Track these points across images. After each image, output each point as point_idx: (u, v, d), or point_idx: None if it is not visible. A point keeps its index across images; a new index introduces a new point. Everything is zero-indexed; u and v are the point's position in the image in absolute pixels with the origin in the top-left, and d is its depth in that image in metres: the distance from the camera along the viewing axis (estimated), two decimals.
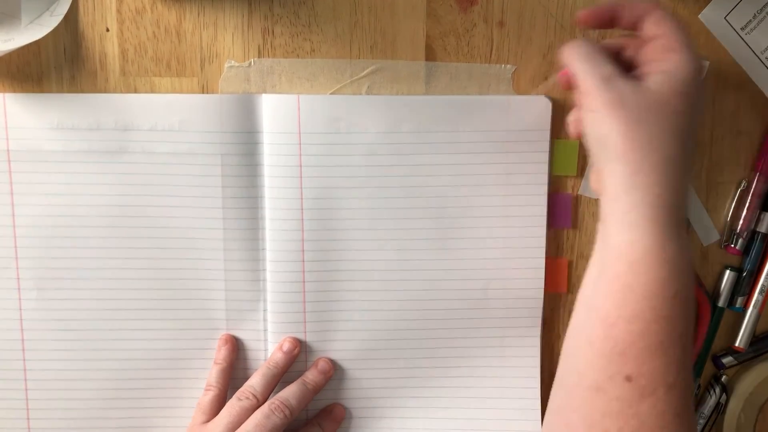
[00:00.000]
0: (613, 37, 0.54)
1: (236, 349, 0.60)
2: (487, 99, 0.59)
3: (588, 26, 0.54)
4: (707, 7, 0.59)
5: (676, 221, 0.47)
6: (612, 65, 0.49)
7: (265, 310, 0.60)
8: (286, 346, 0.60)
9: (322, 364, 0.60)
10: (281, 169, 0.58)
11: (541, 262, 0.60)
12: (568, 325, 0.51)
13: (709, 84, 0.60)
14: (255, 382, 0.58)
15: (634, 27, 0.52)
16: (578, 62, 0.50)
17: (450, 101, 0.58)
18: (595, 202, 0.61)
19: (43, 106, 0.58)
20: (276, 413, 0.56)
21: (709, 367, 0.64)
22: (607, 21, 0.53)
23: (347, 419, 0.62)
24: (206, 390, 0.59)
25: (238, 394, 0.58)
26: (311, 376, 0.60)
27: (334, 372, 0.61)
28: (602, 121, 0.48)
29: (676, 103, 0.48)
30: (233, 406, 0.57)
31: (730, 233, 0.62)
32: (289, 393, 0.58)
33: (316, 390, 0.60)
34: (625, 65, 0.51)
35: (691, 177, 0.50)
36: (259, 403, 0.57)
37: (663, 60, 0.49)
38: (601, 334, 0.47)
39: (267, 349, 0.60)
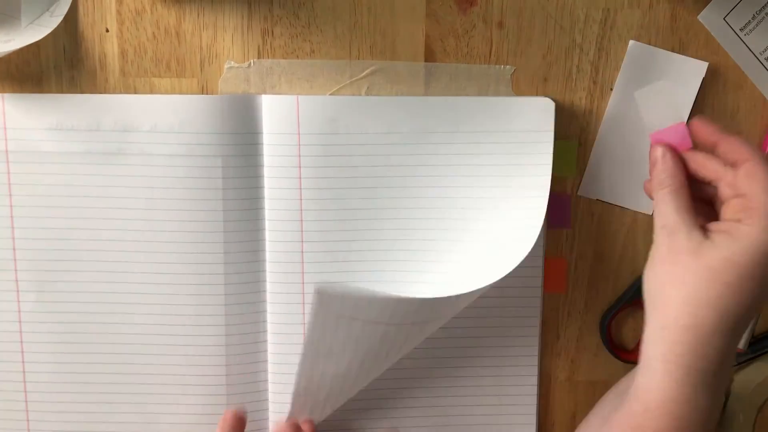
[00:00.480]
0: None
1: (243, 427, 0.59)
2: (487, 100, 0.59)
3: (693, 135, 0.54)
4: (706, 7, 0.59)
5: (698, 383, 0.48)
6: (683, 216, 0.50)
7: (264, 311, 0.60)
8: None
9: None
10: (281, 170, 0.58)
11: (540, 263, 0.60)
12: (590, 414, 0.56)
13: (709, 85, 0.60)
14: None
15: (731, 165, 0.52)
16: (656, 210, 0.52)
17: (450, 102, 0.58)
18: (594, 202, 0.61)
19: (43, 107, 0.58)
20: None
21: None
22: (710, 144, 0.53)
23: (347, 420, 0.62)
24: None
25: None
26: None
27: None
28: (653, 273, 0.51)
29: (727, 272, 0.48)
30: None
31: None
32: None
33: None
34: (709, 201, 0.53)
35: (734, 346, 0.50)
36: None
37: (734, 223, 0.49)
38: None
39: (266, 341, 0.60)
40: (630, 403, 0.50)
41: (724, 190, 0.52)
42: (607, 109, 0.60)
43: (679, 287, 0.49)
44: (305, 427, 0.59)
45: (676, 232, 0.50)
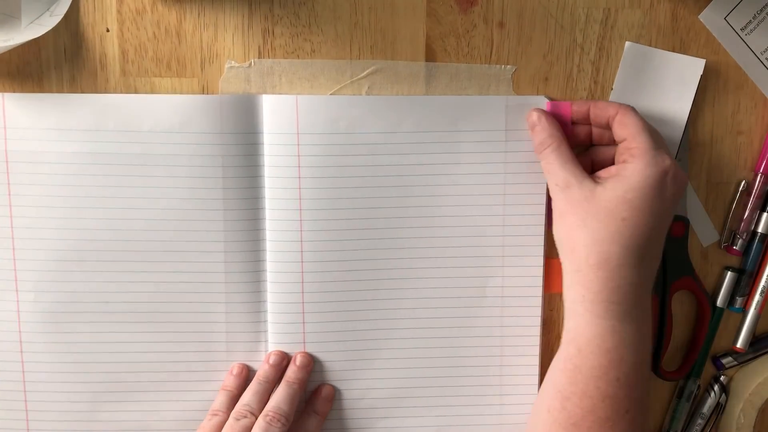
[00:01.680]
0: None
1: (248, 381, 0.60)
2: (487, 99, 0.59)
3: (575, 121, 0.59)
4: (707, 7, 0.59)
5: (619, 314, 0.53)
6: (570, 169, 0.55)
7: (265, 311, 0.60)
8: (273, 359, 0.60)
9: (300, 359, 0.60)
10: (281, 170, 0.58)
11: (540, 262, 0.60)
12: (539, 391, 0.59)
13: (709, 84, 0.60)
14: (249, 399, 0.58)
15: (606, 126, 0.57)
16: (545, 171, 0.57)
17: (450, 101, 0.58)
18: None
19: (43, 107, 0.57)
20: (273, 424, 0.56)
21: (708, 368, 0.64)
22: (584, 117, 0.58)
23: (348, 421, 0.62)
24: (212, 415, 0.58)
25: (234, 414, 0.57)
26: (293, 374, 0.59)
27: (334, 373, 0.61)
28: (556, 226, 0.57)
29: (620, 209, 0.53)
30: (233, 427, 0.56)
31: (730, 234, 0.62)
32: (279, 400, 0.58)
33: (302, 387, 0.60)
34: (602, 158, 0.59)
35: (645, 274, 0.54)
36: (256, 419, 0.57)
37: (621, 165, 0.55)
38: (558, 405, 0.54)
39: (267, 341, 0.60)
40: (564, 348, 0.55)
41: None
42: None
43: (583, 231, 0.53)
44: (302, 359, 0.60)
45: (569, 186, 0.55)
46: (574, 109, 0.58)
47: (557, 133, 0.57)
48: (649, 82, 0.59)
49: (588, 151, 0.59)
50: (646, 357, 0.55)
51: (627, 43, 0.59)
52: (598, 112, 0.57)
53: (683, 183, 0.55)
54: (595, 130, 0.58)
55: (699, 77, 0.59)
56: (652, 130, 0.55)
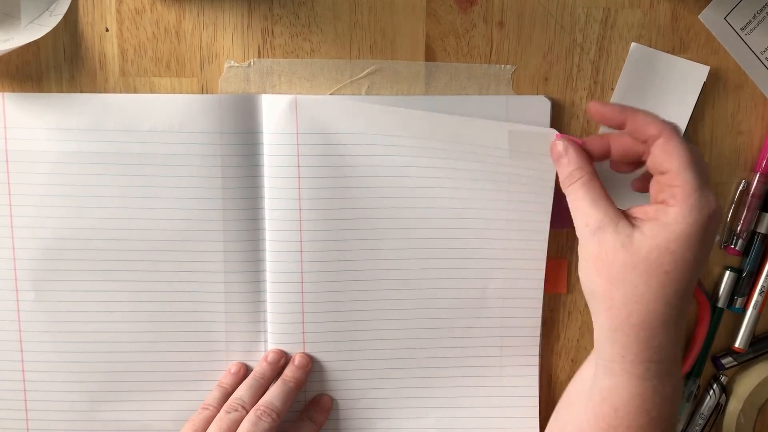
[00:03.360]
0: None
1: (244, 379, 0.60)
2: (487, 99, 0.59)
3: (597, 121, 0.53)
4: (707, 7, 0.59)
5: (660, 373, 0.49)
6: (603, 209, 0.49)
7: (265, 311, 0.60)
8: (271, 356, 0.60)
9: (299, 359, 0.60)
10: (280, 170, 0.58)
11: (542, 263, 0.60)
12: (548, 427, 0.57)
13: (709, 84, 0.60)
14: (242, 393, 0.58)
15: (643, 142, 0.51)
16: (572, 207, 0.51)
17: (450, 101, 0.58)
18: None
19: (42, 106, 0.57)
20: (263, 419, 0.55)
21: (708, 368, 0.64)
22: (617, 125, 0.52)
23: (349, 421, 0.62)
24: (203, 408, 0.58)
25: (226, 407, 0.57)
26: (290, 373, 0.59)
27: (333, 373, 0.61)
28: (588, 274, 0.50)
29: (663, 262, 0.47)
30: (222, 419, 0.56)
31: (730, 234, 0.62)
32: (272, 395, 0.58)
33: (299, 386, 0.59)
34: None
35: (683, 327, 0.50)
36: (247, 414, 0.57)
37: (663, 206, 0.49)
38: None
39: (267, 341, 0.60)
40: (597, 407, 0.51)
41: (648, 164, 0.51)
42: None
43: (622, 286, 0.48)
44: (301, 359, 0.60)
45: (602, 228, 0.49)
46: (606, 112, 0.52)
47: (587, 166, 0.52)
48: (651, 84, 0.59)
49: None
50: (678, 410, 0.52)
51: (633, 45, 0.59)
52: (638, 127, 0.50)
53: (721, 220, 0.49)
54: (620, 144, 0.53)
55: (702, 83, 0.59)
56: (699, 161, 0.49)
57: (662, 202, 0.49)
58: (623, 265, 0.48)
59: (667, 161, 0.49)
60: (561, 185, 0.53)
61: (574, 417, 0.53)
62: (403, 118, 0.58)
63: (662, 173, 0.50)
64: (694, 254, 0.48)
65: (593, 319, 0.51)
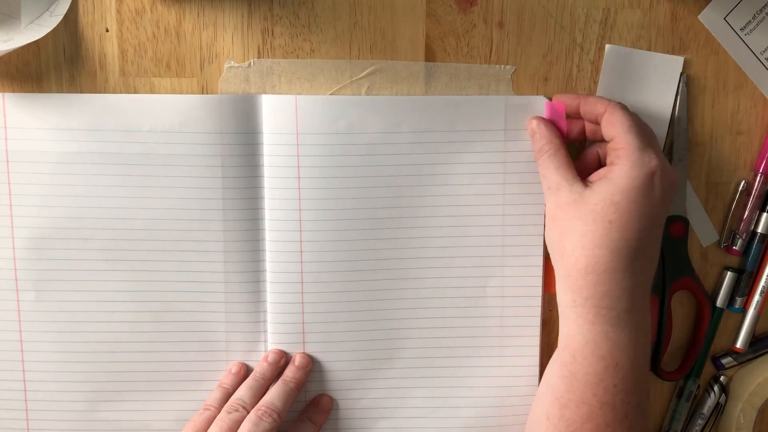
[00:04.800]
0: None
1: (245, 379, 0.60)
2: (487, 99, 0.59)
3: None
4: (707, 7, 0.59)
5: (611, 319, 0.53)
6: (563, 173, 0.55)
7: (265, 311, 0.60)
8: (271, 357, 0.60)
9: (299, 360, 0.60)
10: (280, 170, 0.58)
11: (540, 262, 0.60)
12: (536, 395, 0.58)
13: (709, 84, 0.60)
14: (242, 394, 0.58)
15: (595, 122, 0.56)
16: (540, 176, 0.57)
17: (450, 101, 0.58)
18: None
19: (43, 107, 0.57)
20: (264, 419, 0.56)
21: (708, 368, 0.64)
22: (574, 112, 0.57)
23: (349, 421, 0.62)
24: (204, 409, 0.58)
25: (226, 407, 0.57)
26: (291, 374, 0.59)
27: (333, 373, 0.61)
28: (547, 230, 0.57)
29: (607, 212, 0.52)
30: (223, 419, 0.56)
31: (730, 234, 0.62)
32: (273, 396, 0.58)
33: (299, 387, 0.59)
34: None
35: (639, 277, 0.53)
36: (247, 414, 0.57)
37: (608, 167, 0.54)
38: (556, 413, 0.54)
39: (267, 341, 0.60)
40: (559, 353, 0.55)
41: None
42: None
43: (572, 235, 0.53)
44: (301, 360, 0.60)
45: (559, 189, 0.55)
46: (565, 101, 0.58)
47: (555, 139, 0.57)
48: (630, 82, 0.60)
49: (593, 148, 0.59)
50: (643, 361, 0.54)
51: (607, 46, 0.59)
52: (588, 108, 0.56)
53: (673, 182, 0.54)
54: (588, 126, 0.58)
55: (679, 75, 0.59)
56: (640, 127, 0.54)
57: (610, 164, 0.54)
58: (573, 216, 0.53)
59: (612, 129, 0.54)
60: (535, 157, 0.58)
61: (547, 373, 0.57)
62: (401, 106, 0.58)
63: (610, 140, 0.55)
64: (638, 207, 0.52)
65: (555, 273, 0.56)
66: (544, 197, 0.57)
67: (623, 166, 0.53)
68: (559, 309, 0.56)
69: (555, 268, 0.56)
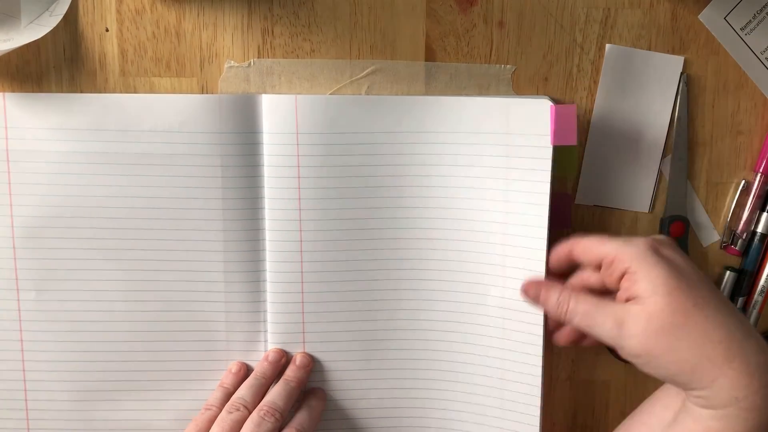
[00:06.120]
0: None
1: (245, 378, 0.60)
2: (487, 99, 0.58)
3: (552, 271, 0.58)
4: (707, 7, 0.59)
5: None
6: (604, 306, 0.52)
7: (265, 311, 0.60)
8: (272, 356, 0.60)
9: (300, 359, 0.60)
10: (280, 170, 0.58)
11: (542, 263, 0.60)
12: None
13: (709, 84, 0.60)
14: (243, 393, 0.58)
15: (594, 266, 0.55)
16: (583, 323, 0.53)
17: (450, 101, 0.58)
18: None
19: (43, 106, 0.57)
20: (267, 419, 0.55)
21: None
22: (564, 259, 0.57)
23: (348, 421, 0.62)
24: (206, 409, 0.58)
25: (227, 407, 0.57)
26: (292, 373, 0.59)
27: (333, 373, 0.61)
28: (644, 363, 0.52)
29: (687, 309, 0.50)
30: (224, 419, 0.56)
31: (730, 234, 0.62)
32: (275, 395, 0.57)
33: (300, 386, 0.59)
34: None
35: None
36: (249, 414, 0.56)
37: (626, 291, 0.52)
38: None
39: (267, 341, 0.60)
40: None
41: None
42: (592, 116, 0.60)
43: (685, 345, 0.50)
44: (302, 359, 0.60)
45: (624, 320, 0.51)
46: (554, 261, 0.57)
47: (557, 286, 0.55)
48: (631, 82, 0.60)
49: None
50: None
51: (608, 46, 0.59)
52: (581, 252, 0.56)
53: (670, 242, 0.53)
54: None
55: (679, 75, 0.59)
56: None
57: (626, 292, 0.52)
58: (657, 332, 0.50)
59: (641, 288, 0.51)
60: (560, 319, 0.55)
61: None
62: (401, 106, 0.58)
63: (621, 275, 0.53)
64: (687, 282, 0.51)
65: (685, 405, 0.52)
66: (610, 341, 0.52)
67: (642, 277, 0.51)
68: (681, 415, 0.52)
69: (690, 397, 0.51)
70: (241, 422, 0.55)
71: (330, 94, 0.59)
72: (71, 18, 0.58)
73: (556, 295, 0.55)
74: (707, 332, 0.49)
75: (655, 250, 0.52)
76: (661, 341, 0.50)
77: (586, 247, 0.55)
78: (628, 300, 0.52)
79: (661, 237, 0.55)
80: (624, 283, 0.52)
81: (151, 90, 0.59)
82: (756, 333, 0.50)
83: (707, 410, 0.50)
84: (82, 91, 0.58)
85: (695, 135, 0.61)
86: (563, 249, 0.57)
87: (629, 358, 0.52)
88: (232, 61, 0.59)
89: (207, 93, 0.59)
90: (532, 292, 0.57)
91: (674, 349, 0.49)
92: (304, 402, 0.60)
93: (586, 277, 0.57)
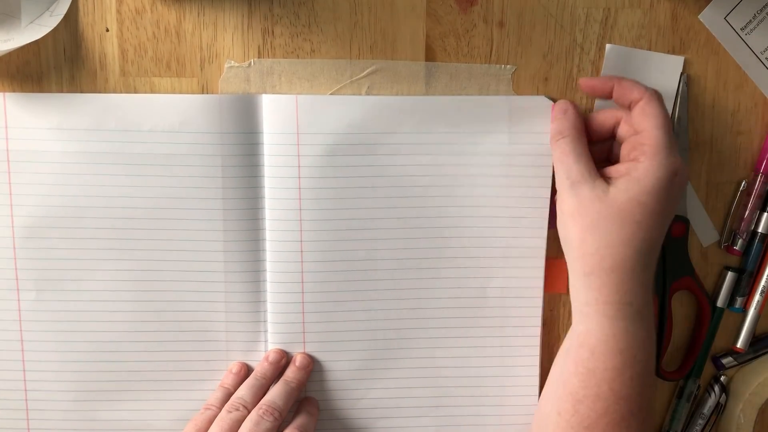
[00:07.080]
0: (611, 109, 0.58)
1: (245, 379, 0.60)
2: (487, 99, 0.59)
3: (588, 94, 0.59)
4: (707, 7, 0.59)
5: (631, 315, 0.53)
6: (584, 165, 0.54)
7: (265, 311, 0.60)
8: (272, 356, 0.60)
9: (300, 360, 0.60)
10: (280, 170, 0.58)
11: (541, 263, 0.60)
12: (542, 392, 0.59)
13: (709, 84, 0.60)
14: (243, 393, 0.58)
15: (627, 107, 0.56)
16: (556, 161, 0.56)
17: (450, 101, 0.58)
18: None
19: (43, 106, 0.58)
20: (265, 418, 0.55)
21: (708, 368, 0.64)
22: (606, 94, 0.58)
23: (348, 421, 0.62)
24: (205, 409, 0.58)
25: (227, 407, 0.57)
26: (292, 374, 0.59)
27: (334, 373, 0.61)
28: (564, 224, 0.55)
29: (635, 212, 0.52)
30: (223, 419, 0.56)
31: (730, 233, 0.62)
32: (274, 395, 0.57)
33: (300, 387, 0.59)
34: (607, 151, 0.58)
35: (652, 273, 0.54)
36: (248, 414, 0.57)
37: (634, 162, 0.54)
38: (570, 408, 0.54)
39: (267, 341, 0.60)
40: (576, 351, 0.54)
41: (623, 128, 0.56)
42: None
43: (595, 233, 0.53)
44: (302, 360, 0.60)
45: (580, 184, 0.54)
46: (596, 84, 0.57)
47: (579, 126, 0.56)
48: None
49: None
50: (653, 355, 0.55)
51: (608, 46, 0.59)
52: (624, 92, 0.55)
53: (686, 181, 0.54)
54: (623, 127, 0.57)
55: (679, 74, 0.59)
56: (669, 124, 0.54)
57: (633, 160, 0.54)
58: (598, 215, 0.53)
59: (644, 121, 0.54)
60: (550, 139, 0.58)
61: (559, 370, 0.56)
62: (402, 106, 0.58)
63: (637, 132, 0.54)
64: (662, 206, 0.53)
65: (569, 267, 0.56)
66: (557, 185, 0.56)
67: (651, 165, 0.53)
68: (574, 306, 0.55)
69: (571, 264, 0.55)
70: (240, 422, 0.55)
71: (330, 94, 0.59)
72: (71, 18, 0.58)
73: (563, 125, 0.56)
74: (624, 241, 0.52)
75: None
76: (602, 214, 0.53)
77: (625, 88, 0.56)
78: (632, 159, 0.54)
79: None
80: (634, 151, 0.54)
81: (152, 90, 0.59)
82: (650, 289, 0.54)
83: (576, 308, 0.55)
84: (82, 91, 0.58)
85: (695, 135, 0.61)
86: (607, 83, 0.57)
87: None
88: (233, 61, 0.59)
89: (207, 93, 0.59)
90: (561, 106, 0.58)
91: (595, 227, 0.53)
92: (302, 407, 0.60)
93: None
